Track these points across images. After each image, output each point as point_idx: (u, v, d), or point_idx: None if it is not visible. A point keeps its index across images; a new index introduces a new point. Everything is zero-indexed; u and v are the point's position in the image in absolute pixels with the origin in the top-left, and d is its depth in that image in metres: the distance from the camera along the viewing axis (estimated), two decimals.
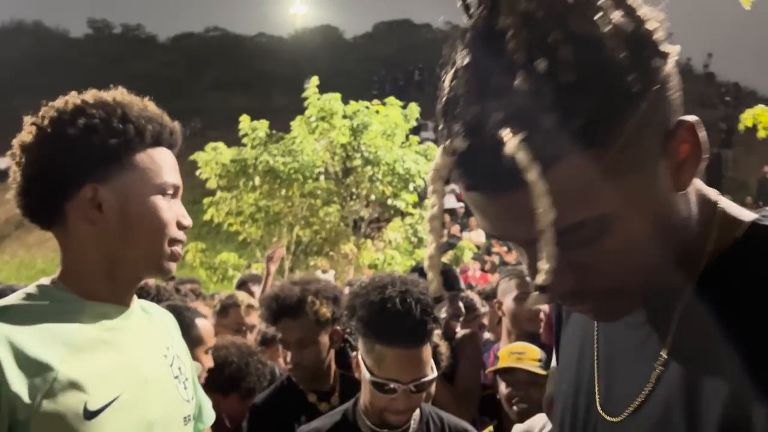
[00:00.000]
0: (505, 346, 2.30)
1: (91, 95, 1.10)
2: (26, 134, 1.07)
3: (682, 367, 0.63)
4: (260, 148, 8.84)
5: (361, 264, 9.26)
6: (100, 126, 1.04)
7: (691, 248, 0.66)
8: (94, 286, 1.07)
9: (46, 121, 1.06)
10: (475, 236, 13.59)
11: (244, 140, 8.99)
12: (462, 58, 0.60)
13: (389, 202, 9.14)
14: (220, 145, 8.90)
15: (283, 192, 8.83)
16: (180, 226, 1.11)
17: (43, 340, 0.96)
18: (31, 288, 1.05)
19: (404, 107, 9.47)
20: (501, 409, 2.15)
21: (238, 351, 2.13)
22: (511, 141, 0.54)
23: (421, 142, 9.78)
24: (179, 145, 1.17)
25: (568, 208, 0.56)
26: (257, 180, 8.63)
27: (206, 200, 9.01)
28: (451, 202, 15.75)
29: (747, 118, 7.09)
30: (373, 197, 9.13)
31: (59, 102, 1.09)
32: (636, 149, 0.58)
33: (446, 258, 10.15)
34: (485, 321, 3.35)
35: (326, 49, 32.27)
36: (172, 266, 1.11)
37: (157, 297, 3.01)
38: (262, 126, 9.01)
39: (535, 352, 2.08)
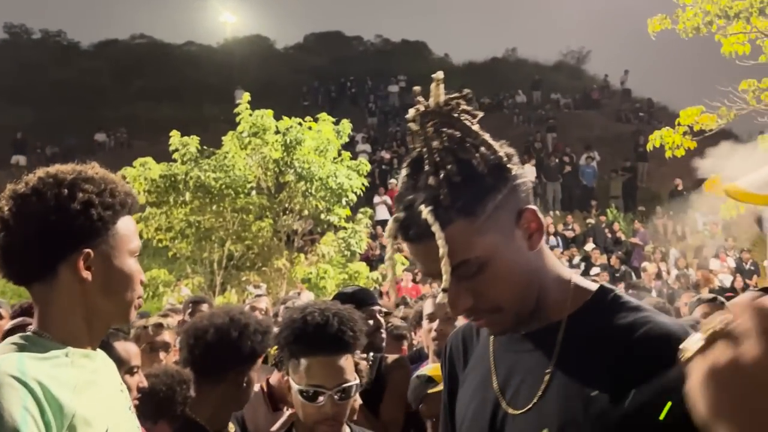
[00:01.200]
0: (429, 365, 2.46)
1: (74, 170, 1.26)
2: (18, 202, 1.21)
3: (564, 375, 0.99)
4: (191, 163, 8.78)
5: (294, 278, 9.32)
6: (95, 201, 1.22)
7: (556, 306, 1.05)
8: (76, 334, 1.23)
9: (44, 193, 1.21)
10: (407, 247, 13.82)
11: (175, 155, 8.90)
12: (405, 170, 1.05)
13: (322, 216, 9.25)
14: (149, 160, 8.78)
15: (215, 207, 8.80)
16: (141, 282, 1.31)
17: (56, 384, 1.11)
18: (17, 338, 1.20)
19: (337, 123, 9.62)
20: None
21: (167, 379, 2.17)
22: (425, 212, 0.96)
23: (354, 158, 9.95)
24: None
25: (458, 251, 0.97)
26: (188, 196, 8.57)
27: (135, 216, 8.84)
28: (384, 213, 15.96)
29: (655, 138, 7.64)
30: (306, 212, 9.22)
31: (45, 175, 1.24)
32: (496, 219, 0.99)
33: (379, 271, 10.33)
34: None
35: (257, 59, 32.01)
36: (134, 314, 1.32)
37: None
38: (193, 141, 8.96)
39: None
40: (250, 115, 8.80)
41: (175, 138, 8.93)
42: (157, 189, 8.67)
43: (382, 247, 13.20)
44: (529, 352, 1.05)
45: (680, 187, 16.43)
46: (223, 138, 9.14)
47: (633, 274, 12.80)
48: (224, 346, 1.93)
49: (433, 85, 1.06)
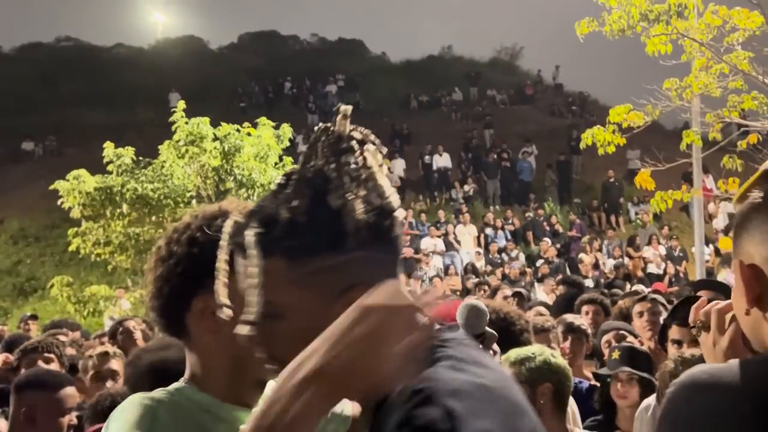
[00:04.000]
0: None
1: (200, 212, 1.21)
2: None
3: None
4: (127, 174, 8.56)
5: None
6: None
7: None
8: (225, 389, 1.14)
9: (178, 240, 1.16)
10: None
11: (109, 167, 8.65)
12: (280, 179, 0.96)
13: None
14: (83, 172, 8.51)
15: (154, 218, 8.60)
16: None
17: None
18: (173, 387, 1.14)
19: (277, 127, 9.55)
20: None
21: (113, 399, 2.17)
22: (250, 233, 0.90)
23: (296, 162, 9.89)
24: None
25: (266, 287, 0.89)
26: (125, 208, 8.36)
27: (71, 231, 8.57)
28: None
29: (587, 137, 7.93)
30: None
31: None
32: (319, 280, 0.89)
33: None
34: None
35: (191, 61, 31.31)
36: None
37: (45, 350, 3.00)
38: (128, 152, 8.73)
39: None
40: (186, 123, 8.64)
41: (108, 149, 8.68)
42: (92, 202, 8.41)
43: None
44: None
45: (612, 179, 17.06)
46: (159, 147, 8.94)
47: (566, 265, 13.22)
48: (161, 371, 1.92)
49: (339, 118, 0.95)
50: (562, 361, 2.29)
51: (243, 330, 0.92)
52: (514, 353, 2.30)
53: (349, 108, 0.96)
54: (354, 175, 0.91)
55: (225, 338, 1.09)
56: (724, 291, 3.49)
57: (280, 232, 0.89)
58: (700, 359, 1.66)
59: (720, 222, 14.79)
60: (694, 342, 2.43)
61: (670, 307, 2.97)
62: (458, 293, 10.73)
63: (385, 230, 0.91)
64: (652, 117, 7.83)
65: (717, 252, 13.05)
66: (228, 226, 0.95)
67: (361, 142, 0.95)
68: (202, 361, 1.15)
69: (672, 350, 2.45)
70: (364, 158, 0.93)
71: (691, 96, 7.77)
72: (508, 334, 2.35)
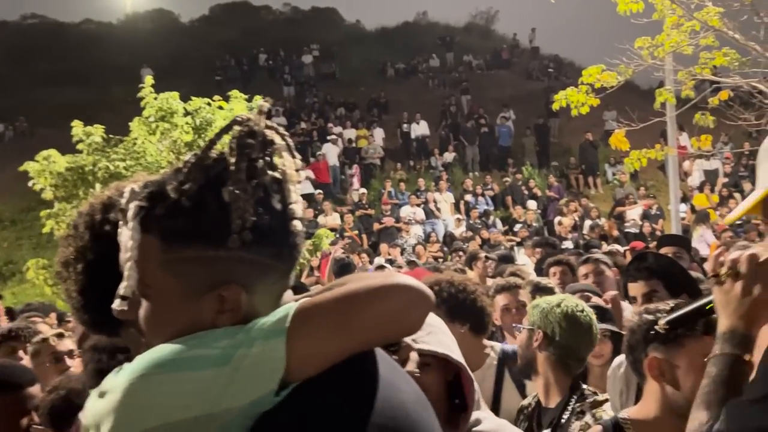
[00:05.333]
0: None
1: None
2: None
3: None
4: (98, 153, 8.41)
5: None
6: None
7: None
8: None
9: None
10: (330, 220, 13.86)
11: (79, 146, 8.50)
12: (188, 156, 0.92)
13: None
14: (53, 152, 8.35)
15: None
16: None
17: None
18: None
19: (249, 100, 9.41)
20: None
21: (66, 393, 2.14)
22: (132, 205, 0.87)
23: None
24: None
25: (139, 264, 0.87)
26: (98, 187, 8.22)
27: (43, 213, 8.44)
28: (307, 187, 15.86)
29: (560, 98, 7.90)
30: None
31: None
32: (189, 269, 0.86)
33: (306, 247, 10.30)
34: None
35: (162, 35, 30.67)
36: None
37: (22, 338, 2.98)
38: (97, 131, 8.56)
39: None
40: (155, 98, 8.48)
41: (77, 128, 8.51)
42: (65, 183, 8.28)
43: (308, 223, 13.17)
44: None
45: (590, 139, 17.13)
46: (130, 124, 8.79)
47: (545, 228, 13.32)
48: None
49: (256, 112, 0.91)
50: (572, 313, 2.21)
51: (116, 304, 0.89)
52: (545, 301, 2.31)
53: (266, 105, 0.92)
54: (256, 173, 0.87)
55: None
56: (686, 246, 3.56)
57: (162, 210, 0.86)
58: (658, 311, 1.68)
59: (695, 179, 14.95)
60: (647, 297, 2.47)
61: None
62: (440, 260, 10.80)
63: (276, 236, 0.88)
64: (625, 77, 7.81)
65: (693, 209, 13.22)
66: (126, 193, 0.90)
67: (271, 143, 0.90)
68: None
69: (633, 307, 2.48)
70: (271, 159, 0.89)
71: (664, 54, 7.75)
72: (463, 307, 2.32)
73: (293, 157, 0.92)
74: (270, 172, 0.88)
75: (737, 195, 13.15)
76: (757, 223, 8.43)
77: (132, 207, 0.88)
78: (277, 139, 0.91)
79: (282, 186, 0.90)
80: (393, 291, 0.90)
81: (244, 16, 34.37)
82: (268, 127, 0.91)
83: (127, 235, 0.88)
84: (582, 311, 2.22)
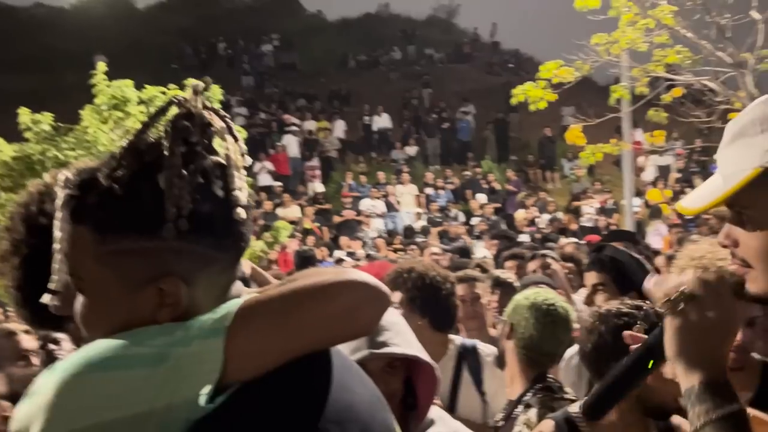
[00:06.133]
0: None
1: None
2: None
3: None
4: (47, 142, 8.12)
5: None
6: None
7: None
8: None
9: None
10: (290, 212, 13.73)
11: (27, 134, 8.19)
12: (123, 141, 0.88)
13: None
14: None
15: None
16: None
17: None
18: None
19: (206, 89, 9.20)
20: None
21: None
22: (62, 193, 0.83)
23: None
24: None
25: (71, 257, 0.83)
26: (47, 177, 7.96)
27: None
28: (266, 180, 15.68)
29: (519, 93, 7.97)
30: None
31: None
32: (125, 261, 0.82)
33: (263, 239, 10.17)
34: None
35: (116, 21, 29.80)
36: None
37: None
38: (45, 118, 8.26)
39: None
40: (108, 86, 8.23)
41: (24, 115, 8.20)
42: (11, 172, 7.97)
43: (266, 215, 13.01)
44: None
45: (549, 134, 17.36)
46: (81, 112, 8.51)
47: (504, 222, 13.47)
48: None
49: (190, 92, 0.85)
50: (540, 305, 2.18)
51: (46, 299, 0.87)
52: (523, 294, 2.29)
53: (200, 84, 0.86)
54: (195, 158, 0.82)
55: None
56: (633, 241, 3.66)
57: (93, 199, 0.81)
58: (617, 315, 1.66)
59: (649, 174, 15.31)
60: (594, 289, 2.48)
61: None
62: (399, 254, 10.80)
63: (217, 224, 0.83)
64: (582, 72, 7.92)
65: (647, 204, 13.54)
66: (60, 181, 0.85)
67: (209, 125, 0.85)
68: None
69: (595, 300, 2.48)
70: (209, 143, 0.84)
71: (619, 51, 7.88)
72: (424, 300, 2.30)
73: (236, 140, 0.87)
74: (211, 157, 0.83)
75: (688, 190, 13.51)
76: (707, 217, 8.66)
77: (62, 196, 0.83)
78: (217, 122, 0.86)
79: (225, 172, 0.84)
80: (344, 288, 0.85)
81: (202, 3, 33.69)
82: (206, 108, 0.85)
83: (57, 227, 0.84)
84: (551, 305, 2.19)
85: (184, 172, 0.80)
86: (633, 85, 8.54)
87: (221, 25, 28.84)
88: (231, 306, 0.83)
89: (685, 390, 0.89)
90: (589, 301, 2.47)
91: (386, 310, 0.91)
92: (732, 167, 0.93)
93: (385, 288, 0.89)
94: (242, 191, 0.86)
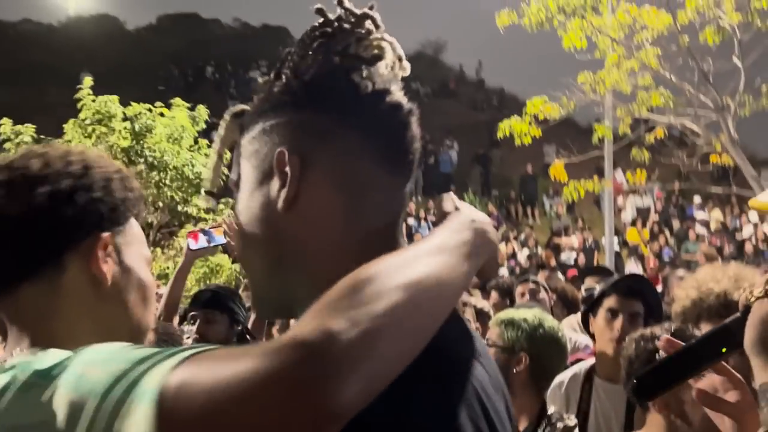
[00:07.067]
0: None
1: (92, 155, 0.95)
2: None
3: None
4: None
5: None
6: (117, 182, 0.92)
7: None
8: None
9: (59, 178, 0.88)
10: None
11: (7, 145, 8.07)
12: None
13: (179, 208, 8.81)
14: None
15: None
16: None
17: None
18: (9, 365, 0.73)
19: (192, 108, 9.19)
20: None
21: None
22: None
23: (211, 146, 9.56)
24: None
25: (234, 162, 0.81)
26: None
27: None
28: None
29: (505, 127, 8.06)
30: (161, 203, 8.75)
31: (59, 153, 0.91)
32: (262, 145, 0.76)
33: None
34: None
35: (105, 41, 29.84)
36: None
37: None
38: (28, 130, 8.16)
39: None
40: (93, 101, 8.16)
41: (6, 126, 8.09)
42: None
43: None
44: None
45: (530, 171, 17.55)
46: (64, 126, 8.42)
47: None
48: None
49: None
50: (554, 334, 2.09)
51: (202, 202, 0.80)
52: (505, 313, 2.18)
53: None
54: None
55: (105, 293, 0.88)
56: (608, 276, 3.78)
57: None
58: (656, 337, 1.53)
59: (628, 215, 15.48)
60: (633, 318, 2.37)
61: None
62: None
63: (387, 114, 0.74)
64: (567, 109, 8.05)
65: (625, 243, 13.66)
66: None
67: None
68: (66, 317, 0.85)
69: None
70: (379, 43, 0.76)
71: (604, 91, 8.04)
72: None
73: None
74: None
75: (667, 232, 13.67)
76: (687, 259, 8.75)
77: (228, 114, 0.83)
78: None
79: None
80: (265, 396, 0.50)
81: (192, 27, 33.93)
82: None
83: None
84: (560, 332, 2.14)
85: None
86: (616, 126, 8.69)
87: (210, 50, 28.99)
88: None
89: (761, 385, 0.81)
90: (627, 330, 2.27)
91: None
92: None
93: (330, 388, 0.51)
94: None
